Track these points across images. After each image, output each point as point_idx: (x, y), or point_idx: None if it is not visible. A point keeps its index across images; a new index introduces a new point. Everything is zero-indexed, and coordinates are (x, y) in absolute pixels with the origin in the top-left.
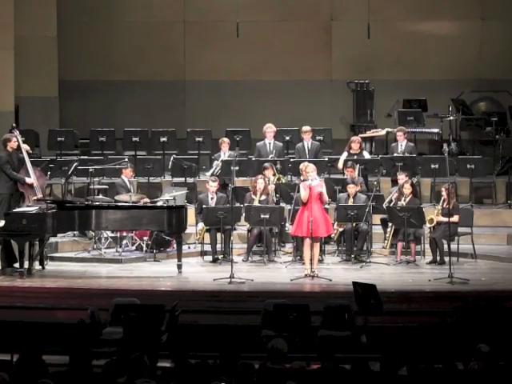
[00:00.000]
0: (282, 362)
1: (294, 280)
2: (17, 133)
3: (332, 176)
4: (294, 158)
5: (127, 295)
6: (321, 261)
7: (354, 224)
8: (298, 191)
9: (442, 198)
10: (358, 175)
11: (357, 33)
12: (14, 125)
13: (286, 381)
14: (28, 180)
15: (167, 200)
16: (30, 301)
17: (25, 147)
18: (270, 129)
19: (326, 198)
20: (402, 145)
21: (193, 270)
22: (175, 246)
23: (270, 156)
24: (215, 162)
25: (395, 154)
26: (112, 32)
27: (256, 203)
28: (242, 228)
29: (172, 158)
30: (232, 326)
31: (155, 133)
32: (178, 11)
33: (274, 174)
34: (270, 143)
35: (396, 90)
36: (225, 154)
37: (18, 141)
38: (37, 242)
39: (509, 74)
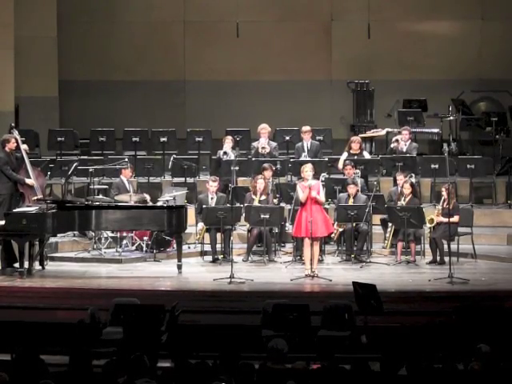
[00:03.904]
0: (282, 362)
1: (294, 280)
2: (16, 133)
3: (332, 176)
4: (293, 158)
5: (127, 295)
6: (321, 261)
7: (354, 224)
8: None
9: (442, 198)
10: (358, 177)
11: (357, 33)
12: (12, 124)
13: (286, 381)
14: (28, 181)
15: (167, 200)
16: (30, 301)
17: (23, 147)
18: (264, 130)
19: (321, 200)
20: (406, 144)
21: (193, 270)
22: (175, 246)
23: (264, 150)
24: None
25: (400, 149)
26: (112, 32)
27: (256, 203)
28: (242, 228)
29: (172, 158)
30: (232, 326)
31: (155, 133)
32: (178, 11)
33: (273, 175)
34: (265, 142)
35: (396, 90)
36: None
37: (17, 141)
38: (37, 242)
39: (509, 74)
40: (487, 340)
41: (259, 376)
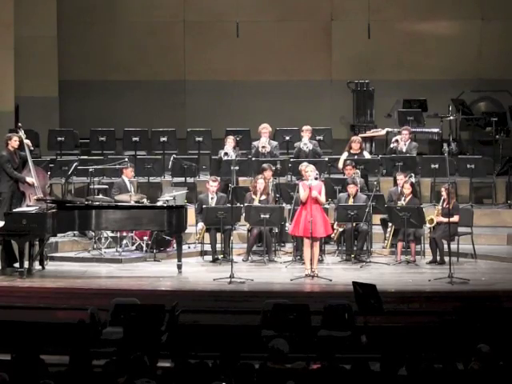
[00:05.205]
0: (283, 362)
1: (294, 280)
2: (22, 132)
3: (332, 176)
4: (293, 158)
5: (127, 295)
6: (321, 261)
7: (354, 224)
8: (298, 191)
9: (442, 198)
10: (358, 177)
11: (357, 33)
12: (19, 124)
13: (286, 381)
14: (28, 179)
15: (167, 200)
16: (30, 301)
17: (27, 142)
18: (265, 129)
19: (322, 200)
20: (405, 144)
21: (193, 269)
22: (175, 245)
23: (264, 149)
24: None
25: (400, 149)
26: (112, 32)
27: (256, 203)
28: (242, 228)
29: (172, 158)
30: (232, 326)
31: (155, 133)
32: (178, 11)
33: (273, 175)
34: (266, 141)
35: (396, 90)
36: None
37: (21, 140)
38: (37, 242)
39: (509, 74)
40: (487, 340)
41: (259, 376)
